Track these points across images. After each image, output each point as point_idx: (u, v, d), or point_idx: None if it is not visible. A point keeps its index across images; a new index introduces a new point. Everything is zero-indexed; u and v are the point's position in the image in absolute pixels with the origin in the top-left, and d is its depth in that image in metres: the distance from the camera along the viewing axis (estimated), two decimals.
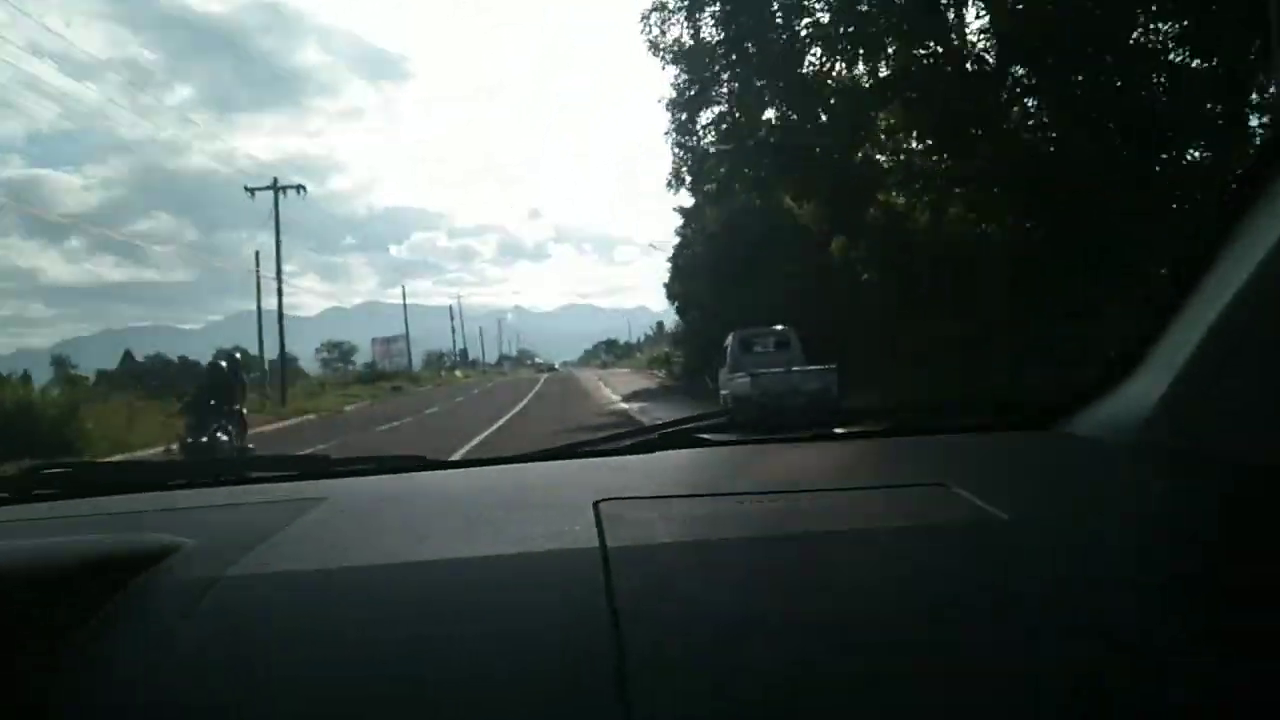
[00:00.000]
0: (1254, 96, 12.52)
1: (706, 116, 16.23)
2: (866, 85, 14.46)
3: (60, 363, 56.36)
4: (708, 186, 18.51)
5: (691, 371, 28.33)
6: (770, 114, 15.76)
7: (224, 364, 11.25)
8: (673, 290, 35.35)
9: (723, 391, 15.65)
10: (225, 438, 10.42)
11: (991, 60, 13.69)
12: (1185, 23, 12.64)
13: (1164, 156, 12.92)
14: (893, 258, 16.36)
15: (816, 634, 0.68)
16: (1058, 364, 10.35)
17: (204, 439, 10.16)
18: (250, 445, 11.58)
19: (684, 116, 16.24)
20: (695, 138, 16.39)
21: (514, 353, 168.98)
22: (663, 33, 15.54)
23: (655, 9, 15.70)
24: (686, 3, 15.24)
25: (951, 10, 13.96)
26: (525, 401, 26.73)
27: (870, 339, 16.95)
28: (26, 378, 21.56)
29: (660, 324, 77.94)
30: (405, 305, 66.22)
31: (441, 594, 0.78)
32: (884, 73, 14.40)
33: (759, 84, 14.74)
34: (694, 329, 30.98)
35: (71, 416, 16.87)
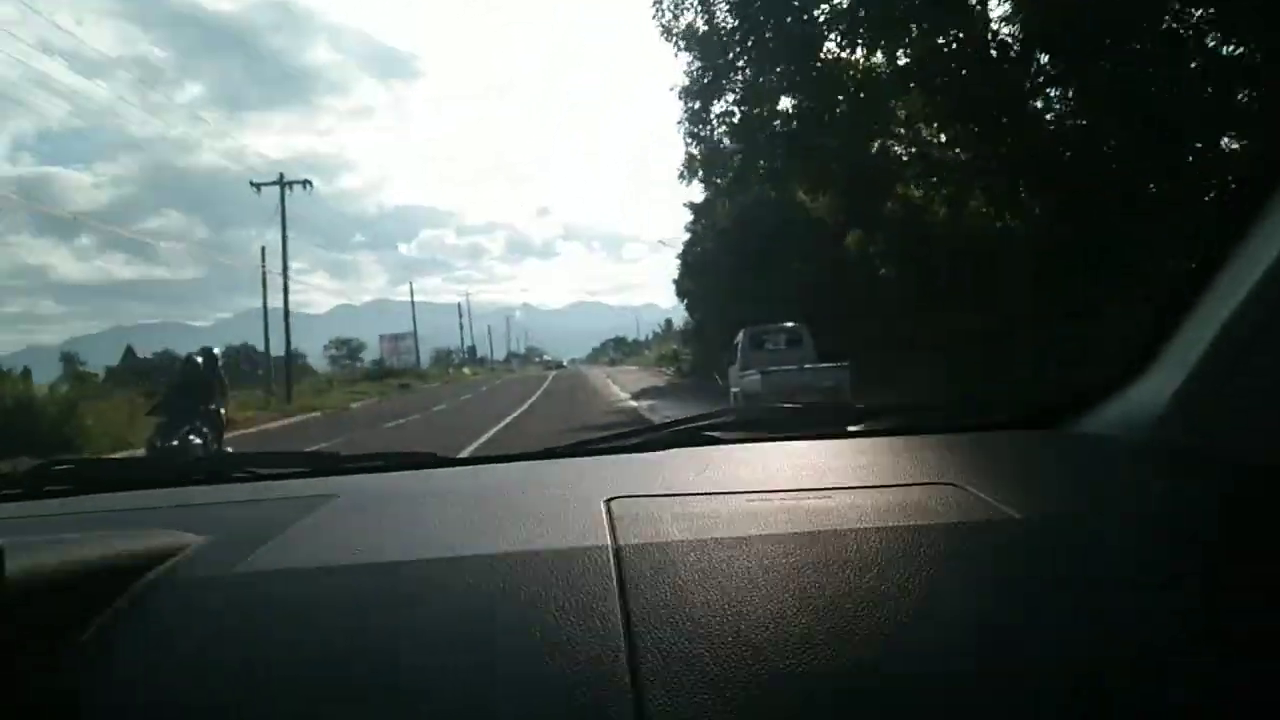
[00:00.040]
0: None
1: (720, 106, 15.79)
2: (886, 73, 14.01)
3: (69, 359, 56.71)
4: (720, 179, 18.05)
5: (700, 369, 28.05)
6: (786, 102, 15.33)
7: (199, 359, 10.33)
8: (682, 287, 35.26)
9: (733, 389, 15.43)
10: (198, 441, 9.46)
11: (1016, 46, 13.23)
12: (1214, 8, 12.22)
13: (1196, 146, 12.45)
14: (911, 251, 15.97)
15: (828, 632, 0.69)
16: (1081, 361, 10.02)
17: (174, 442, 9.24)
18: (228, 449, 10.41)
19: (697, 105, 15.76)
20: (709, 127, 15.94)
21: (522, 350, 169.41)
22: (676, 18, 15.08)
23: None
24: None
25: None
26: (533, 399, 26.48)
27: (887, 335, 16.65)
28: (27, 374, 21.30)
29: (669, 321, 78.51)
30: (413, 303, 66.18)
31: (452, 591, 0.78)
32: (903, 60, 13.96)
33: (776, 70, 14.29)
34: (703, 326, 30.71)
35: (71, 414, 16.64)
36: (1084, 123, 12.75)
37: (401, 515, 1.06)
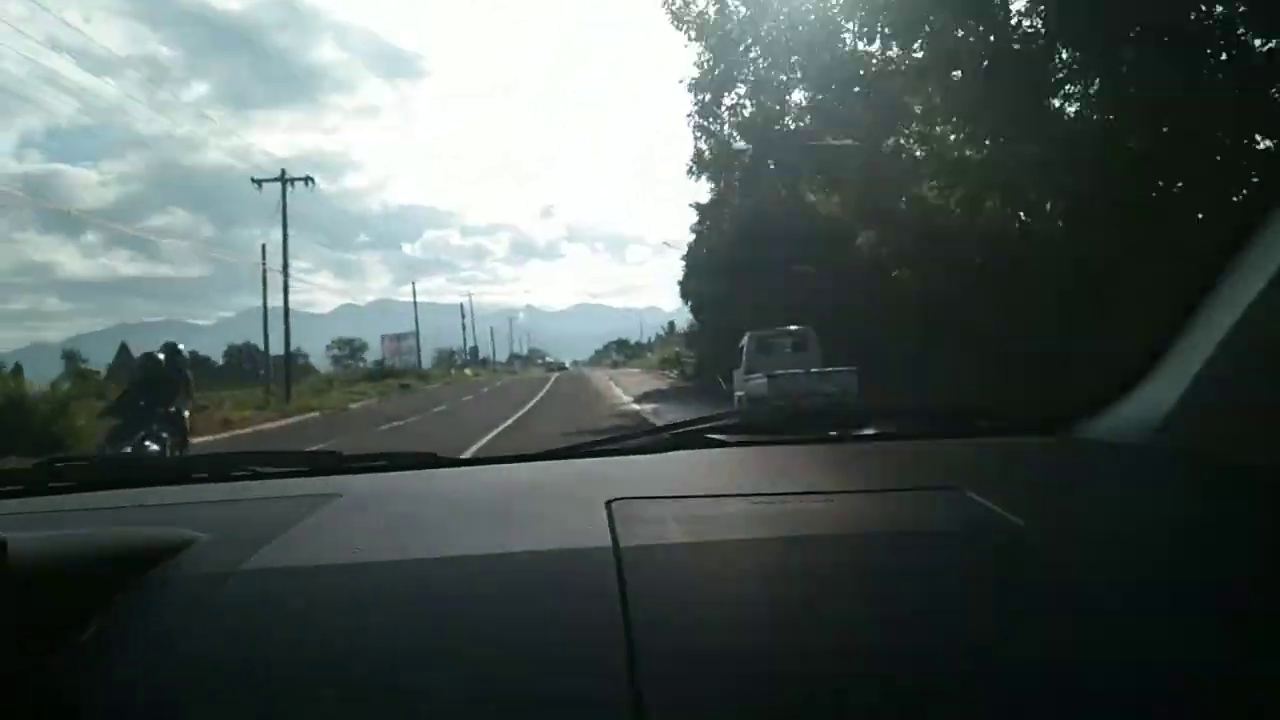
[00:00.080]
0: None
1: (731, 99, 15.29)
2: (903, 67, 13.55)
3: (71, 357, 56.48)
4: (729, 177, 17.59)
5: (704, 371, 27.80)
6: (799, 95, 14.84)
7: (161, 355, 9.22)
8: (687, 288, 34.98)
9: (737, 393, 15.26)
10: (155, 447, 8.41)
11: (1040, 40, 12.76)
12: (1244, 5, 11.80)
13: (1227, 144, 12.01)
14: (926, 253, 15.56)
15: (829, 636, 0.69)
16: (1104, 367, 9.62)
17: (126, 449, 8.13)
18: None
19: (707, 98, 15.22)
20: (719, 121, 15.48)
21: (525, 352, 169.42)
22: (686, 4, 14.46)
23: None
24: None
25: None
26: (535, 401, 26.14)
27: (900, 339, 16.31)
28: (18, 371, 20.97)
29: (671, 324, 78.65)
30: (415, 303, 65.96)
31: (454, 591, 0.78)
32: (921, 53, 13.49)
33: (790, 62, 13.81)
34: (708, 328, 30.42)
35: (62, 412, 16.39)
36: (1113, 117, 12.28)
37: (403, 515, 1.06)
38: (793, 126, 14.94)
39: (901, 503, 0.99)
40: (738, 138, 15.74)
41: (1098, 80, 12.68)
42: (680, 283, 35.84)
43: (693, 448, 1.43)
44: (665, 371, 46.70)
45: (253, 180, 31.87)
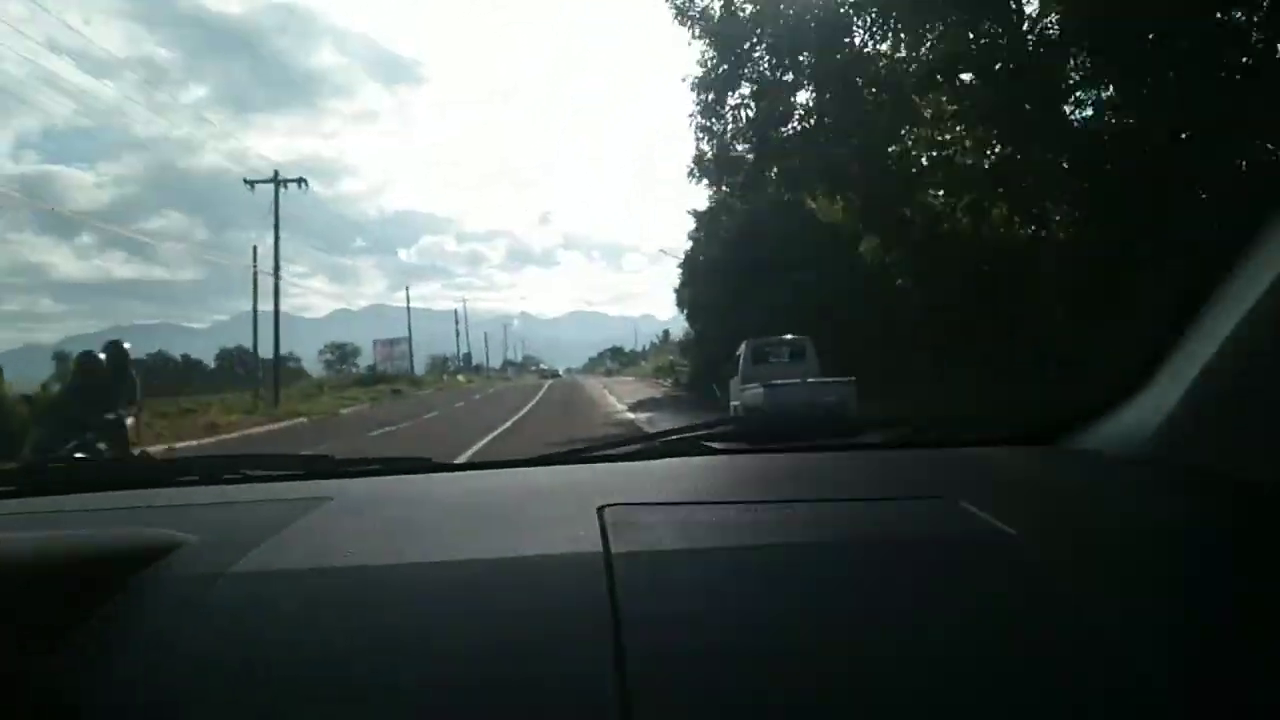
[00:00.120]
0: None
1: (735, 99, 14.93)
2: (913, 68, 13.21)
3: (62, 358, 55.83)
4: (731, 181, 17.21)
5: (699, 380, 27.54)
6: (805, 96, 14.50)
7: (102, 355, 8.01)
8: (683, 296, 34.74)
9: (733, 403, 14.95)
10: (85, 458, 6.87)
11: (1055, 40, 12.44)
12: (1265, 7, 11.54)
13: (1243, 149, 11.72)
14: (931, 261, 15.25)
15: (820, 645, 0.69)
16: (1110, 377, 9.28)
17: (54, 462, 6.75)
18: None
19: (710, 97, 14.85)
20: (722, 122, 15.10)
21: (519, 358, 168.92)
22: (691, 0, 14.15)
23: None
24: None
25: None
26: (528, 408, 25.75)
27: (903, 349, 16.02)
28: None
29: (666, 332, 78.59)
30: (409, 308, 65.61)
31: (445, 596, 0.78)
32: (932, 55, 13.16)
33: (797, 61, 13.47)
34: (704, 336, 30.17)
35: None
36: (1131, 120, 11.97)
37: (395, 519, 1.06)
38: (797, 128, 14.59)
39: (894, 511, 1.00)
40: (740, 139, 15.38)
41: (1112, 86, 12.42)
42: (677, 290, 35.64)
43: (685, 455, 1.44)
44: (660, 380, 46.60)
45: (245, 181, 31.51)
